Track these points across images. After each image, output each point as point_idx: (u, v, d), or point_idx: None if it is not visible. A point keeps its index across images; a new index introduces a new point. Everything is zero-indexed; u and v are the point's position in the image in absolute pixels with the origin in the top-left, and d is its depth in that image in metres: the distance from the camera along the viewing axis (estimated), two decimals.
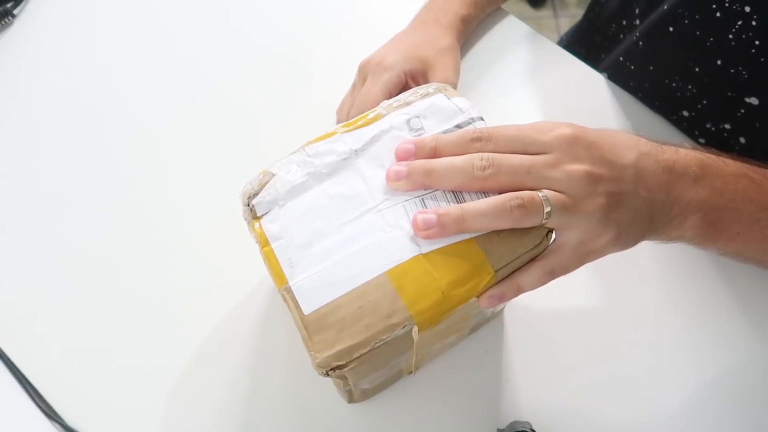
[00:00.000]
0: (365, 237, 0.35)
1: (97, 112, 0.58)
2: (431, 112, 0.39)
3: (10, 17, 0.62)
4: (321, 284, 0.34)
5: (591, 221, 0.36)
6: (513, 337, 0.48)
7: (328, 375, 0.33)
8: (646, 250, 0.51)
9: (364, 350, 0.33)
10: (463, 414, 0.46)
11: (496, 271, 0.35)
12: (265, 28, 0.63)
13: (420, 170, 0.36)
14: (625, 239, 0.38)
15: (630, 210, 0.37)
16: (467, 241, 0.35)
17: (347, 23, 0.63)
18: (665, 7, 0.53)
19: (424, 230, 0.35)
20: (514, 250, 0.35)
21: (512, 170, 0.36)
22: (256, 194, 0.37)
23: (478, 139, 0.37)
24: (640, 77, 0.58)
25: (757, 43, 0.47)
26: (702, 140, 0.56)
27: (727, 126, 0.54)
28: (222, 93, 0.59)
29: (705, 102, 0.54)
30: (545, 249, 0.37)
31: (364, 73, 0.53)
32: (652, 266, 0.51)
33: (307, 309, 0.34)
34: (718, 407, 0.47)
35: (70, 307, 0.50)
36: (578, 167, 0.36)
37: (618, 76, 0.60)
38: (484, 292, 0.35)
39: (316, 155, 0.38)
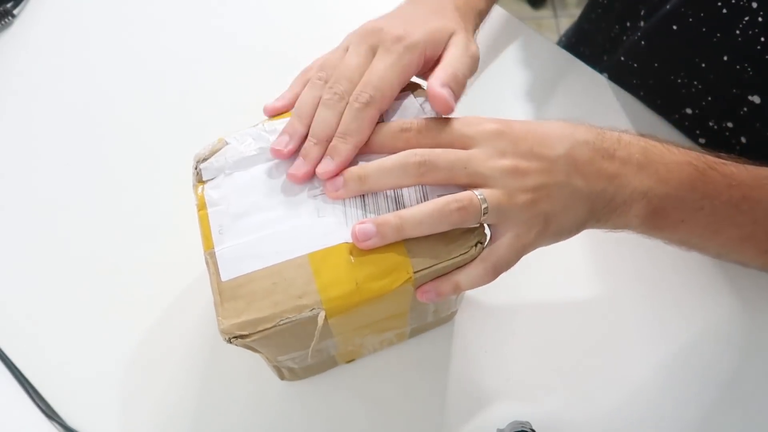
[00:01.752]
0: (298, 218, 0.36)
1: (98, 111, 0.58)
2: (394, 109, 0.40)
3: (10, 17, 0.62)
4: (244, 255, 0.35)
5: (522, 215, 0.36)
6: (513, 337, 0.48)
7: (230, 342, 0.34)
8: (648, 250, 0.51)
9: (268, 325, 0.33)
10: (463, 414, 0.46)
11: (415, 273, 0.35)
12: (256, 27, 0.63)
13: (354, 177, 0.37)
14: (556, 230, 0.38)
15: (560, 201, 0.37)
16: None
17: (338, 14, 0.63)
18: (668, 6, 0.53)
19: (363, 241, 0.35)
20: (437, 256, 0.35)
21: (449, 166, 0.36)
22: (205, 159, 0.38)
23: (407, 130, 0.38)
24: (644, 75, 0.58)
25: (762, 39, 0.47)
26: (702, 140, 0.56)
27: (730, 125, 0.54)
28: (217, 90, 0.59)
29: (709, 98, 0.54)
30: (472, 259, 0.36)
31: (371, 43, 0.42)
32: (655, 266, 0.51)
33: (225, 276, 0.34)
34: (722, 406, 0.46)
35: (70, 307, 0.50)
36: (505, 162, 0.36)
37: (620, 76, 0.59)
38: (399, 288, 0.35)
39: (272, 132, 0.39)
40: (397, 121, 0.39)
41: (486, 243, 0.37)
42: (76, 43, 0.62)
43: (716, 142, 0.55)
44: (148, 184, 0.55)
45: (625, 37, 0.62)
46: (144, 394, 0.47)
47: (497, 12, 0.63)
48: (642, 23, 0.58)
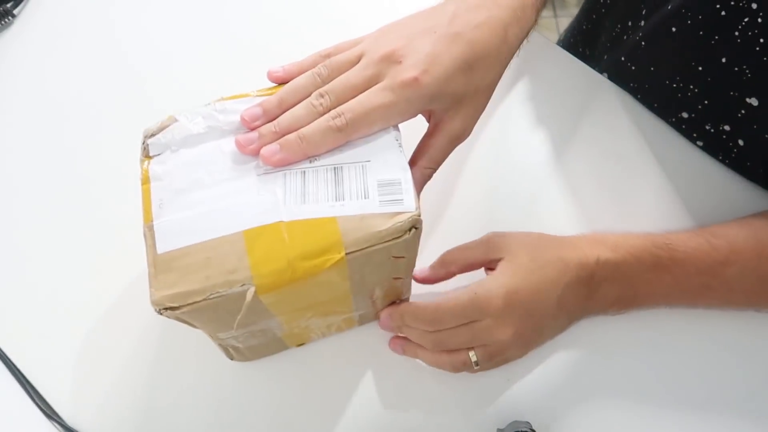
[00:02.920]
0: (237, 196, 0.36)
1: (98, 111, 0.58)
2: (368, 140, 0.40)
3: (10, 17, 0.62)
4: (181, 229, 0.35)
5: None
6: None
7: (161, 314, 0.34)
8: None
9: (198, 298, 0.34)
10: (463, 414, 0.46)
11: (348, 254, 0.35)
12: (260, 30, 0.62)
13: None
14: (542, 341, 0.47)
15: (547, 334, 0.47)
16: (329, 218, 0.35)
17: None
18: (669, 7, 0.53)
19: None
20: (370, 238, 0.35)
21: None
22: (153, 135, 0.38)
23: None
24: (640, 78, 0.58)
25: (761, 41, 0.47)
26: (700, 143, 0.56)
27: (727, 128, 0.53)
28: (221, 91, 0.59)
29: (706, 102, 0.53)
30: (406, 243, 0.36)
31: (382, 70, 0.40)
32: None
33: (161, 248, 0.35)
34: (724, 406, 0.46)
35: (70, 306, 0.50)
36: (506, 331, 0.43)
37: (619, 77, 0.59)
38: (332, 269, 0.35)
39: (222, 111, 0.39)
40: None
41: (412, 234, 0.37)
42: (76, 43, 0.62)
43: (713, 145, 0.54)
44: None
45: (625, 37, 0.62)
46: (145, 394, 0.47)
47: None
48: (642, 23, 0.58)
